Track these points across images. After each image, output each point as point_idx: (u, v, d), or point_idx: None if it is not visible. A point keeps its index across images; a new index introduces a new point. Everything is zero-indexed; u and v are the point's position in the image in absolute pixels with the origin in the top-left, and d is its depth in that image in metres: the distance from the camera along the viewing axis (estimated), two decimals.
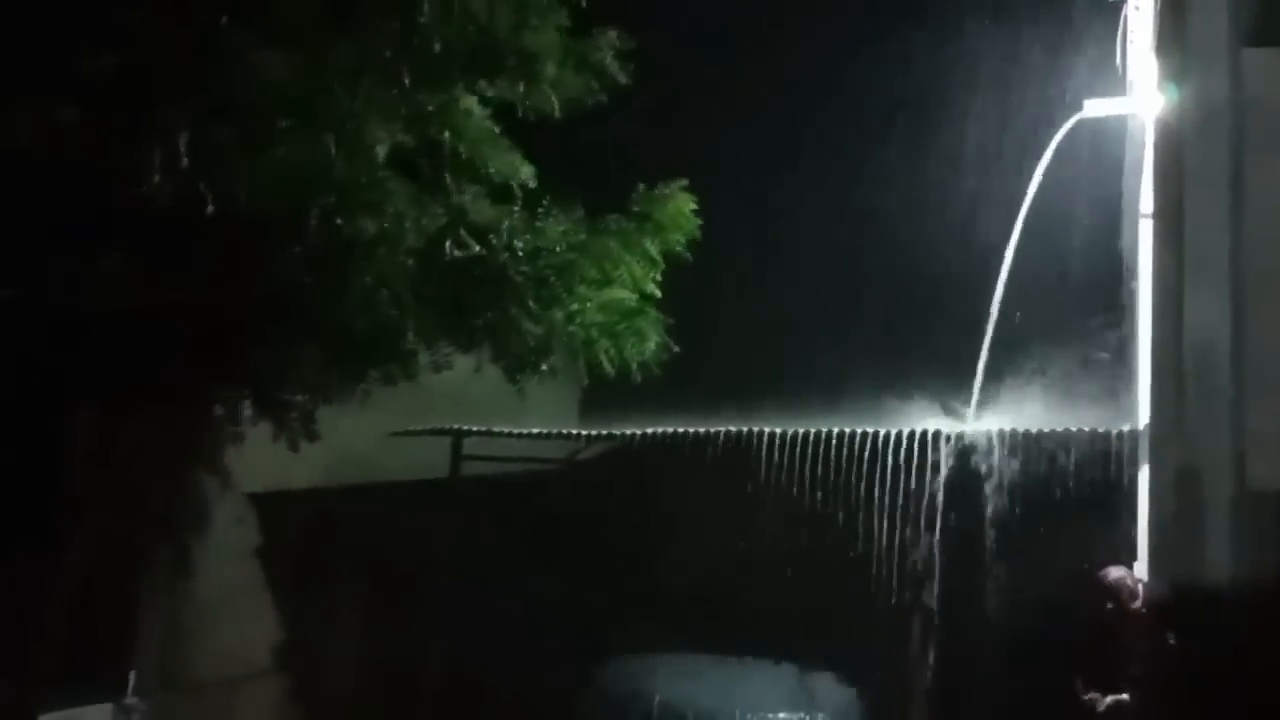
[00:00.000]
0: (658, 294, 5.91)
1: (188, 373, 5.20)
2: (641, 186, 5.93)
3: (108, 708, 7.68)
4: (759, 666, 8.19)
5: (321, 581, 9.21)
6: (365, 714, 8.93)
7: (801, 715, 7.60)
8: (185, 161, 4.28)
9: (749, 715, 7.57)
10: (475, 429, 9.36)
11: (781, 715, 7.60)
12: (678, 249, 5.93)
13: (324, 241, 4.73)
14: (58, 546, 6.07)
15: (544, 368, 5.61)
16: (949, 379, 8.38)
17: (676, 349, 6.04)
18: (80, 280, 4.79)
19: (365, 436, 9.08)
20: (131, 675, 7.90)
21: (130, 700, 7.83)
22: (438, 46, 5.01)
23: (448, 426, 9.33)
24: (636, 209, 5.82)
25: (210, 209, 4.41)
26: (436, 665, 9.15)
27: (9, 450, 6.24)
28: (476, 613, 9.18)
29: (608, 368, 5.72)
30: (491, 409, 9.46)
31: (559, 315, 5.39)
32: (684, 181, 6.00)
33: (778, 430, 8.21)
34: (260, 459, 8.26)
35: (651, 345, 5.84)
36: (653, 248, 5.77)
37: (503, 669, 8.93)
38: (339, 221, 4.70)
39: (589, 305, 5.47)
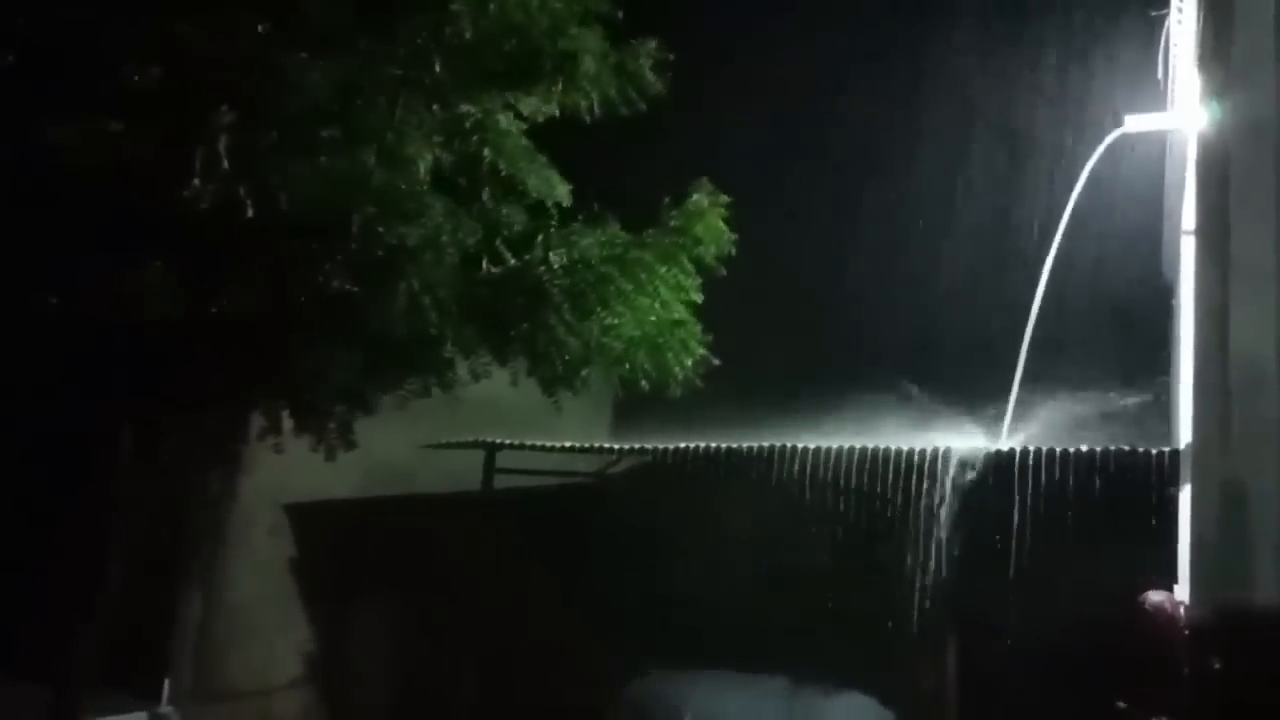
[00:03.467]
0: (697, 300, 5.87)
1: (229, 381, 5.25)
2: (668, 201, 5.93)
3: (143, 716, 7.74)
4: (789, 685, 8.10)
5: (355, 593, 9.24)
6: None
7: None
8: (226, 165, 4.32)
9: None
10: (508, 442, 9.37)
11: None
12: (711, 262, 5.91)
13: (365, 250, 4.76)
14: (98, 555, 6.14)
15: (580, 382, 5.59)
16: (983, 396, 8.31)
17: (717, 362, 6.01)
18: (124, 289, 4.85)
19: (400, 448, 9.13)
20: (166, 684, 7.96)
21: (165, 709, 7.88)
22: (474, 56, 5.04)
23: (481, 439, 9.36)
24: (671, 222, 5.81)
25: (252, 215, 4.45)
26: (468, 678, 9.14)
27: (53, 460, 6.34)
28: (508, 625, 9.18)
29: (644, 383, 5.70)
30: (525, 422, 9.48)
31: (596, 328, 5.39)
32: (717, 195, 5.98)
33: (809, 446, 8.16)
34: (297, 470, 8.34)
35: (692, 358, 5.82)
36: (688, 261, 5.76)
37: (533, 682, 8.92)
38: (380, 230, 4.72)
39: (626, 319, 5.45)
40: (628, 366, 5.61)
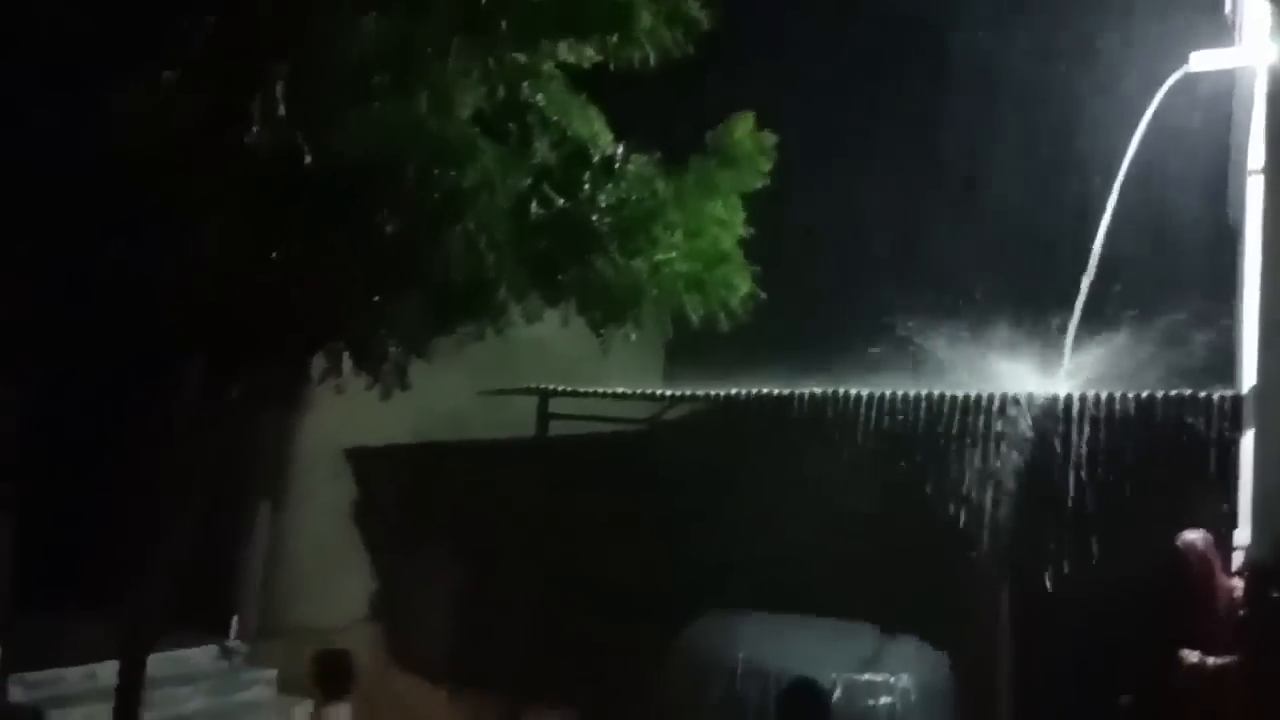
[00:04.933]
0: (743, 234, 5.84)
1: (292, 327, 5.36)
2: (710, 133, 5.87)
3: (212, 649, 8.04)
4: (844, 628, 8.14)
5: (413, 536, 9.45)
6: (454, 665, 9.14)
7: (886, 677, 7.52)
8: (282, 110, 4.39)
9: (833, 675, 7.52)
10: (561, 388, 9.47)
11: (865, 677, 7.54)
12: (755, 187, 5.85)
13: (420, 195, 4.82)
14: (168, 494, 6.32)
15: (630, 321, 5.60)
16: (1041, 339, 8.20)
17: (764, 295, 5.98)
18: (187, 238, 4.97)
19: (456, 395, 9.28)
20: (234, 620, 8.25)
21: (233, 643, 8.18)
22: (527, 9, 5.03)
23: (534, 386, 9.46)
24: (713, 155, 5.76)
25: (309, 163, 4.52)
26: (522, 621, 9.33)
27: (125, 403, 6.55)
28: (561, 570, 9.33)
29: (695, 317, 5.70)
30: (578, 370, 9.58)
31: (643, 266, 5.38)
32: (759, 128, 5.92)
33: (863, 391, 8.10)
34: (356, 416, 8.53)
35: (740, 293, 5.81)
36: (730, 187, 5.72)
37: (586, 626, 9.08)
38: (434, 175, 4.77)
39: (675, 254, 5.45)
40: (676, 303, 5.60)
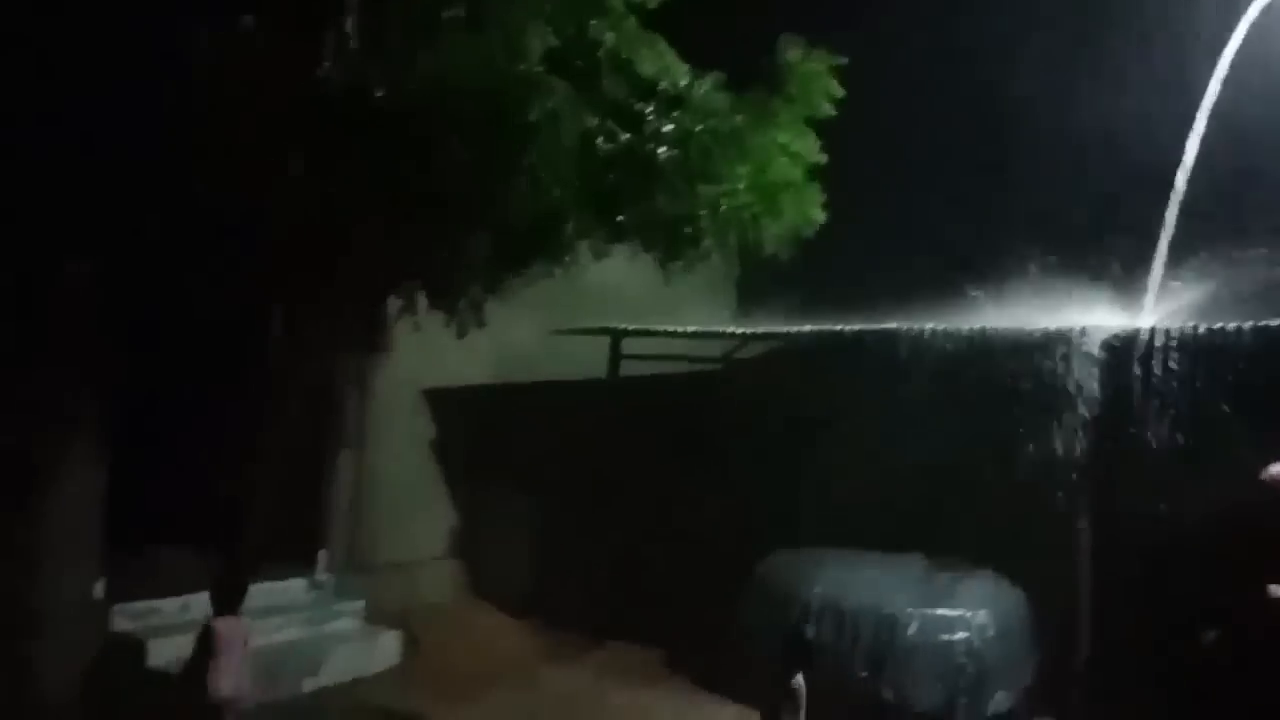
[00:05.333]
0: (812, 160, 5.75)
1: (369, 265, 5.46)
2: (773, 62, 5.76)
3: (302, 582, 8.32)
4: (919, 564, 8.14)
5: (490, 474, 9.62)
6: (531, 600, 9.35)
7: (962, 612, 7.51)
8: (354, 45, 4.44)
9: (908, 610, 7.54)
10: (633, 328, 9.50)
11: (941, 611, 7.53)
12: (822, 115, 5.75)
13: (489, 132, 4.85)
14: (260, 436, 6.53)
15: (696, 255, 5.58)
16: (1127, 273, 7.99)
17: (822, 219, 5.87)
18: (269, 179, 5.08)
19: (529, 337, 9.40)
20: (322, 554, 8.52)
21: (321, 577, 8.45)
22: None
23: (606, 326, 9.51)
24: (775, 84, 5.67)
25: (381, 100, 4.57)
26: (598, 558, 9.49)
27: (215, 344, 6.75)
28: (635, 508, 9.45)
29: (767, 245, 5.66)
30: (649, 311, 9.61)
31: (711, 195, 5.34)
32: (821, 53, 5.80)
33: (941, 326, 7.98)
34: (434, 357, 8.69)
35: (812, 223, 5.74)
36: (795, 116, 5.62)
37: (660, 563, 9.20)
38: (503, 111, 4.79)
39: (742, 186, 5.40)
40: (743, 234, 5.55)
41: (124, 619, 7.11)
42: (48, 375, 6.62)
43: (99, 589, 7.11)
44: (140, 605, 7.17)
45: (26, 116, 4.94)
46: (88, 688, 6.73)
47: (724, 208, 5.38)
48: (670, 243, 5.52)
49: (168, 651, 7.00)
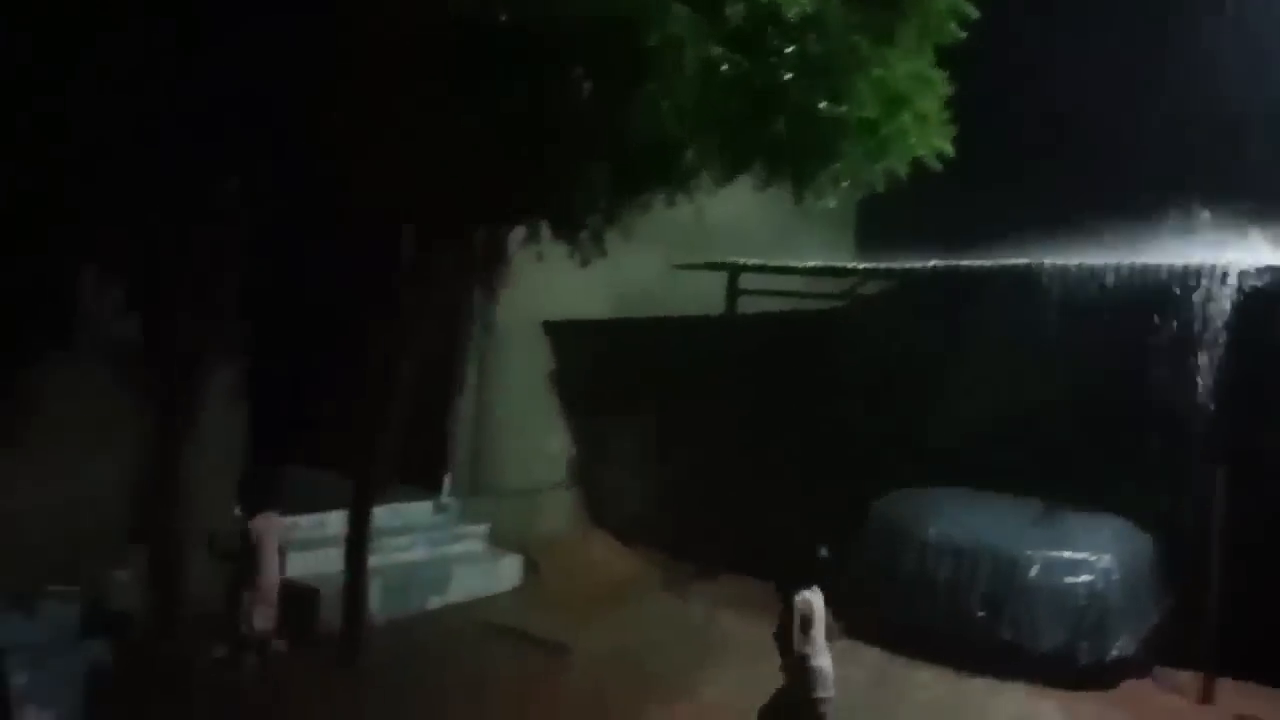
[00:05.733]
0: (938, 85, 5.55)
1: (497, 194, 5.54)
2: None
3: (428, 505, 8.64)
4: (1041, 506, 7.98)
5: (607, 406, 9.78)
6: (646, 530, 9.51)
7: (1087, 555, 7.35)
8: None
9: (1028, 552, 7.42)
10: (752, 263, 9.45)
11: (1064, 554, 7.39)
12: (951, 40, 5.53)
13: (610, 58, 4.83)
14: (389, 362, 6.76)
15: (820, 182, 5.48)
16: (1268, 209, 7.54)
17: (949, 149, 5.67)
18: (398, 110, 5.19)
19: (648, 273, 9.45)
20: (447, 479, 8.83)
21: (446, 500, 8.76)
22: None
23: (724, 261, 9.47)
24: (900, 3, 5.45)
25: (504, 22, 4.59)
26: (712, 491, 9.57)
27: (348, 271, 6.98)
28: (751, 443, 9.47)
29: (893, 172, 5.53)
30: (768, 248, 9.54)
31: (834, 120, 5.21)
32: None
33: (1071, 262, 7.68)
34: (553, 291, 8.83)
35: (938, 153, 5.57)
36: (922, 41, 5.42)
37: (777, 500, 9.22)
38: (623, 37, 4.76)
39: (868, 113, 5.25)
40: (868, 163, 5.42)
41: None
42: (196, 303, 7.00)
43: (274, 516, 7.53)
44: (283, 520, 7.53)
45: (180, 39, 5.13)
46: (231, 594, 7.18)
47: (851, 134, 5.24)
48: (793, 170, 5.42)
49: (305, 564, 7.40)
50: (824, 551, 5.37)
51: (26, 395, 6.34)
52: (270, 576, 6.40)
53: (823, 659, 5.12)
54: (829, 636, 5.24)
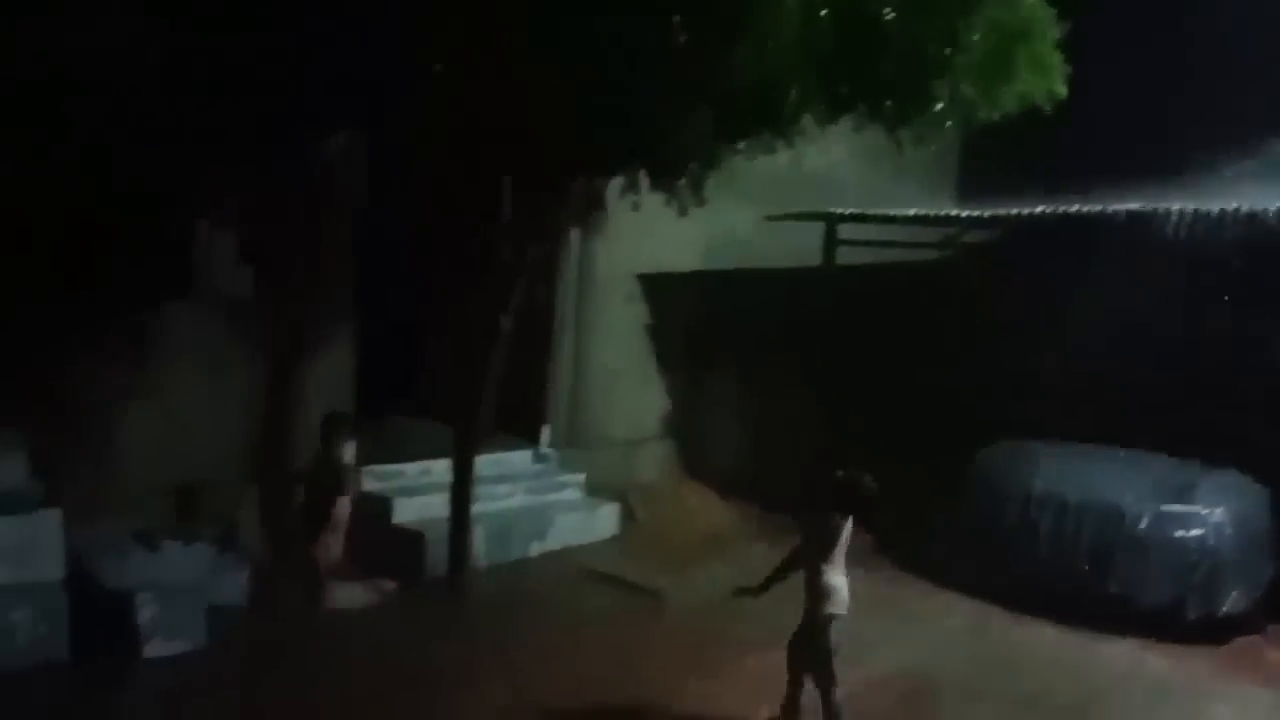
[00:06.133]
0: (1051, 32, 5.37)
1: (591, 146, 5.56)
2: None
3: (527, 455, 8.80)
4: (1151, 459, 7.75)
5: (703, 359, 9.79)
6: (741, 481, 9.53)
7: (1198, 509, 7.14)
8: None
9: (1138, 505, 7.24)
10: (849, 212, 9.30)
11: (1174, 507, 7.19)
12: None
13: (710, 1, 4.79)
14: (488, 314, 6.87)
15: (924, 123, 5.35)
16: None
17: (1062, 91, 5.48)
18: (498, 54, 5.23)
19: (743, 225, 9.38)
20: (545, 430, 8.97)
21: (545, 450, 8.91)
22: None
23: (821, 210, 9.35)
24: None
25: None
26: (808, 443, 9.53)
27: (441, 227, 7.11)
28: (849, 396, 9.39)
29: (1001, 111, 5.36)
30: (865, 199, 9.38)
31: (940, 58, 5.07)
32: None
33: (1186, 208, 7.37)
34: (649, 242, 8.85)
35: (1047, 94, 5.39)
36: None
37: (877, 451, 9.13)
38: None
39: (974, 52, 5.09)
40: (974, 102, 5.27)
41: (372, 480, 7.75)
42: (305, 255, 7.22)
43: (350, 453, 7.80)
44: (386, 468, 7.77)
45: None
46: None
47: (955, 71, 5.10)
48: (896, 111, 5.30)
49: (411, 510, 7.63)
50: (840, 474, 5.36)
51: (150, 342, 6.65)
52: (344, 509, 6.74)
53: (838, 578, 5.14)
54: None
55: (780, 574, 5.38)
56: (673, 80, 5.02)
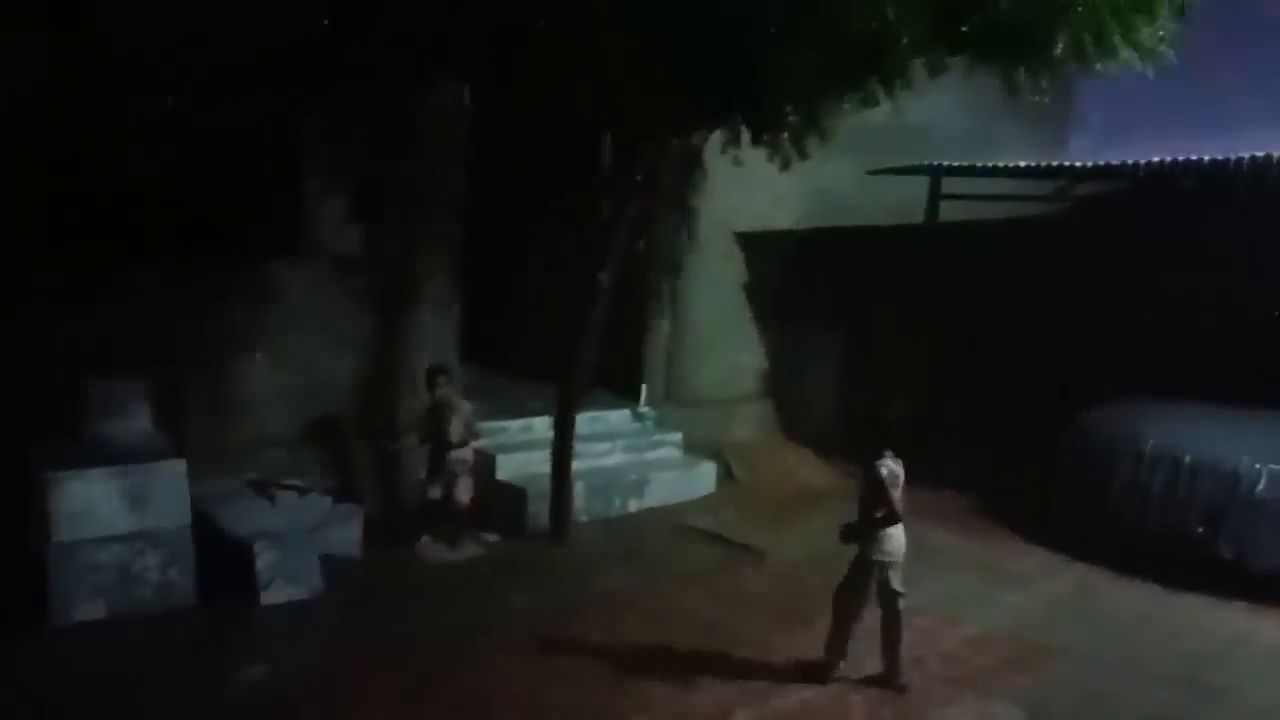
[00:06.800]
0: None
1: (697, 93, 5.52)
2: None
3: (626, 412, 8.89)
4: (1267, 417, 7.46)
5: (800, 318, 9.70)
6: (837, 440, 9.47)
7: None
8: None
9: (1255, 465, 6.97)
10: (954, 164, 9.06)
11: None
12: None
13: None
14: (589, 273, 6.91)
15: (1042, 63, 5.15)
16: None
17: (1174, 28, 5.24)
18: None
19: (845, 179, 9.19)
20: (644, 388, 9.04)
21: (643, 409, 8.98)
22: None
23: (925, 163, 9.12)
24: None
25: None
26: (907, 402, 9.39)
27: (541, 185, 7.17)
28: (952, 355, 9.23)
29: (1122, 54, 5.14)
30: (970, 153, 9.11)
31: (1054, 4, 4.89)
32: None
33: None
34: (746, 200, 8.78)
35: (1164, 37, 5.15)
36: None
37: (985, 409, 8.97)
38: None
39: None
40: (1089, 47, 5.06)
41: None
42: (410, 214, 7.37)
43: (460, 404, 7.98)
44: (491, 424, 7.93)
45: None
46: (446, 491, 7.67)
47: (1071, 14, 4.90)
48: (1013, 52, 5.11)
49: (512, 465, 7.79)
50: (896, 418, 5.29)
51: (264, 299, 6.90)
52: (466, 451, 7.00)
53: (889, 523, 5.10)
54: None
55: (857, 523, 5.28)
56: (780, 24, 4.90)
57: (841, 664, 5.34)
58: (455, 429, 6.96)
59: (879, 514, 5.11)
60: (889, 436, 5.22)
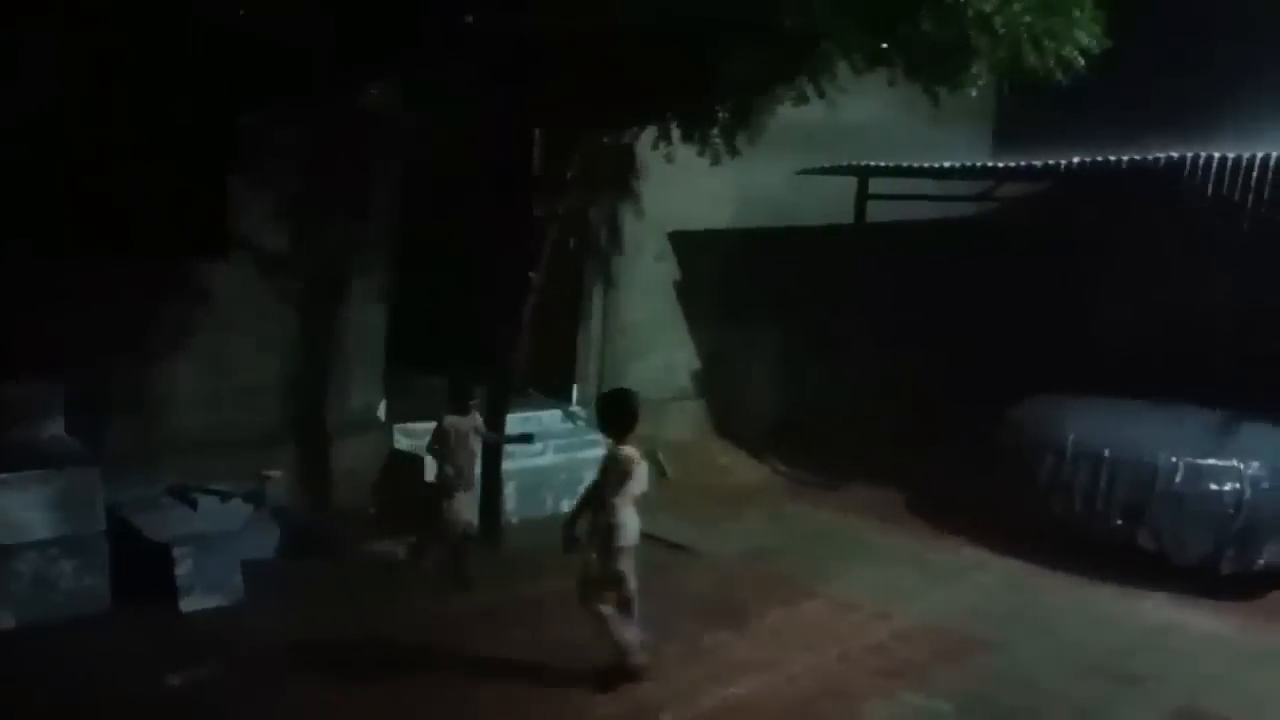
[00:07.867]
0: None
1: (629, 91, 5.49)
2: None
3: (557, 412, 8.83)
4: (1185, 412, 7.68)
5: (733, 317, 9.74)
6: (771, 440, 9.52)
7: (1233, 462, 7.05)
8: None
9: (1171, 459, 7.16)
10: (881, 164, 9.17)
11: (1210, 461, 7.10)
12: None
13: None
14: (519, 271, 6.85)
15: (962, 79, 5.26)
16: None
17: (1108, 43, 5.39)
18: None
19: (774, 183, 9.26)
20: (575, 388, 8.99)
21: (574, 409, 8.94)
22: None
23: (853, 164, 9.22)
24: None
25: None
26: (837, 402, 9.49)
27: (472, 183, 7.09)
28: (881, 353, 9.36)
29: (1041, 70, 5.24)
30: (898, 154, 9.23)
31: (983, 14, 4.96)
32: None
33: (1226, 155, 7.14)
34: (679, 199, 8.78)
35: (1086, 48, 5.27)
36: None
37: (902, 408, 9.11)
38: None
39: (1014, 5, 4.98)
40: (1012, 59, 5.16)
41: (403, 437, 7.80)
42: (342, 211, 7.23)
43: (382, 410, 7.86)
44: (416, 425, 7.81)
45: None
46: (375, 491, 7.55)
47: (996, 28, 4.99)
48: (936, 65, 5.21)
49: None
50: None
51: (188, 299, 6.70)
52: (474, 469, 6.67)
53: (627, 511, 5.19)
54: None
55: (580, 511, 5.37)
56: (711, 27, 4.90)
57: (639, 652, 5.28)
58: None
59: (611, 503, 5.16)
60: (620, 421, 5.38)
